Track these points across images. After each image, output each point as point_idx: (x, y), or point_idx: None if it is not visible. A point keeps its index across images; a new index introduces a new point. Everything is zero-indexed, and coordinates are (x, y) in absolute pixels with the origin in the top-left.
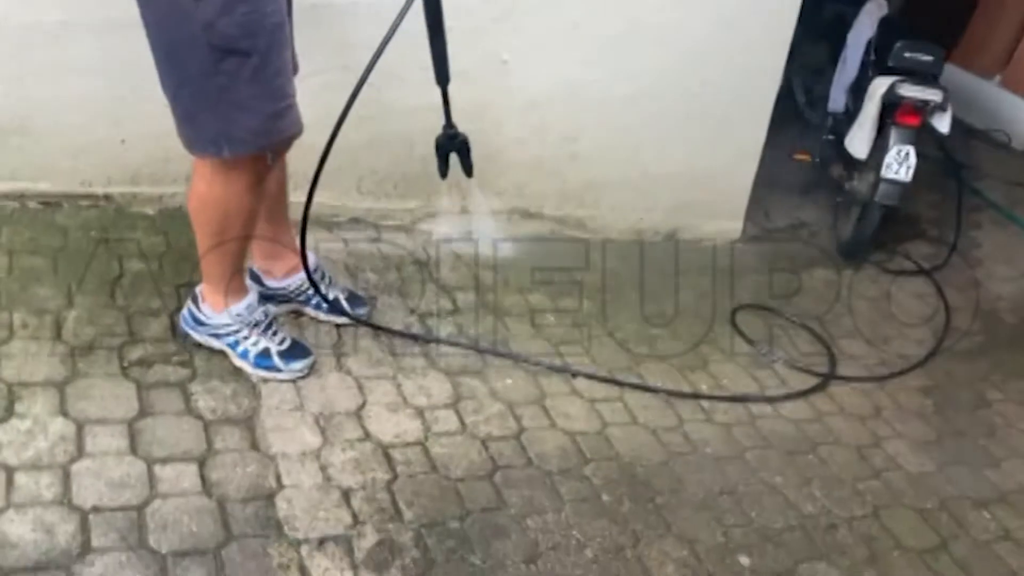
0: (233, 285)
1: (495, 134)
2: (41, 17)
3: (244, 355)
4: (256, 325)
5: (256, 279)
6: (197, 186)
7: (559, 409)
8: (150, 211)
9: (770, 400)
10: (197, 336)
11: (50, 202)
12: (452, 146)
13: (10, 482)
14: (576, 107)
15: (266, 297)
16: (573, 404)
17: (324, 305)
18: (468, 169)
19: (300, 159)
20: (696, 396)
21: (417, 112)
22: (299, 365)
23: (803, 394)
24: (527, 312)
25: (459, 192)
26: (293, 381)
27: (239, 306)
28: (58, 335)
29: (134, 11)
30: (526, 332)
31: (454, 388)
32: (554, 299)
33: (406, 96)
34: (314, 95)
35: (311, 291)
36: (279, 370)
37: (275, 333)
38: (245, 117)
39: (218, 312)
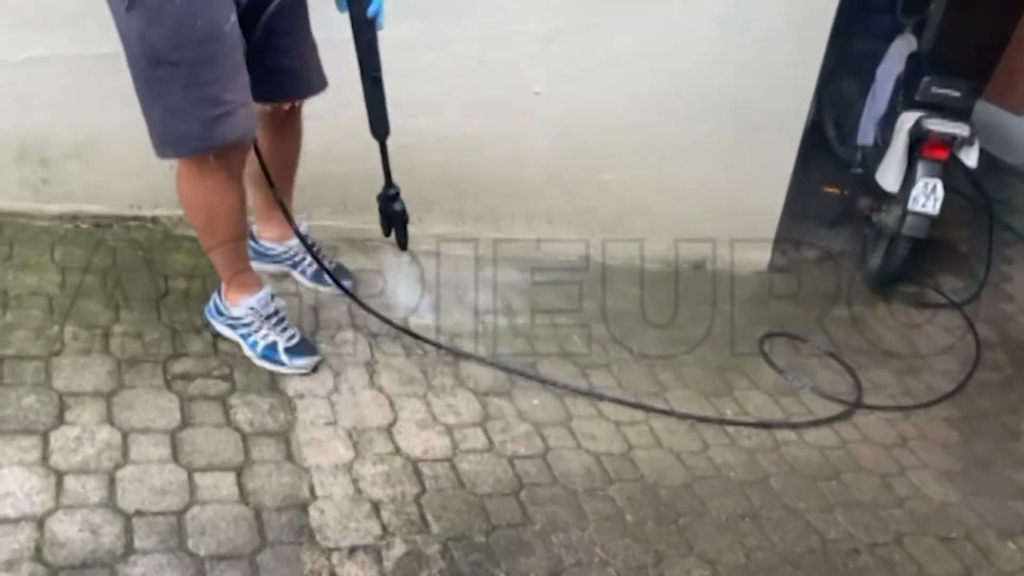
0: (242, 279)
1: (526, 164)
2: (96, 49)
3: (253, 346)
4: (268, 319)
5: (252, 237)
6: (179, 186)
7: (585, 431)
8: (194, 234)
9: (795, 426)
10: (216, 325)
11: (101, 223)
12: (392, 215)
13: (60, 485)
14: (606, 138)
15: (257, 254)
16: (599, 426)
17: (308, 272)
18: (403, 243)
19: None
20: (721, 422)
21: (450, 141)
22: (303, 362)
23: (830, 421)
24: (555, 336)
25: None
26: (327, 397)
27: (251, 300)
28: (106, 348)
29: None
30: (554, 355)
31: (482, 407)
32: (583, 325)
33: (438, 125)
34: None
35: (299, 256)
36: (283, 364)
37: (285, 329)
38: (180, 123)
39: (233, 305)
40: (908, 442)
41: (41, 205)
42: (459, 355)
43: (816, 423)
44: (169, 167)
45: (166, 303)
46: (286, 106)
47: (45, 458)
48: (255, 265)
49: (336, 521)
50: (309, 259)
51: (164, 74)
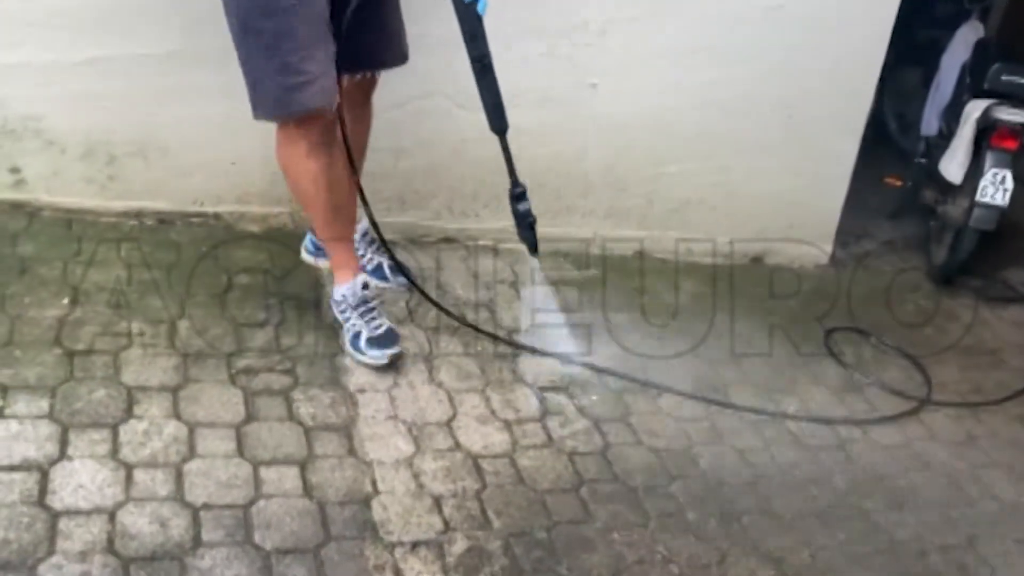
0: (341, 261)
1: (582, 157)
2: (151, 49)
3: (347, 333)
4: (356, 307)
5: (312, 231)
6: (276, 152)
7: (644, 426)
8: (256, 229)
9: (863, 423)
10: (334, 308)
11: (164, 220)
12: (516, 216)
13: (129, 478)
14: (663, 130)
15: (318, 248)
16: (659, 422)
17: (368, 267)
18: (531, 245)
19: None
20: (788, 417)
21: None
22: (376, 353)
23: (899, 417)
24: (612, 330)
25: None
26: (387, 392)
27: (344, 288)
28: (172, 343)
29: None
30: (613, 352)
31: (541, 403)
32: (640, 320)
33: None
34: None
35: (360, 251)
36: (362, 353)
37: (373, 319)
38: (264, 87)
39: (336, 288)
40: (978, 440)
41: (107, 202)
42: (527, 350)
43: (885, 419)
44: (231, 163)
45: (229, 298)
46: (357, 77)
47: (115, 451)
48: (309, 259)
49: (398, 516)
50: (368, 255)
51: (252, 40)
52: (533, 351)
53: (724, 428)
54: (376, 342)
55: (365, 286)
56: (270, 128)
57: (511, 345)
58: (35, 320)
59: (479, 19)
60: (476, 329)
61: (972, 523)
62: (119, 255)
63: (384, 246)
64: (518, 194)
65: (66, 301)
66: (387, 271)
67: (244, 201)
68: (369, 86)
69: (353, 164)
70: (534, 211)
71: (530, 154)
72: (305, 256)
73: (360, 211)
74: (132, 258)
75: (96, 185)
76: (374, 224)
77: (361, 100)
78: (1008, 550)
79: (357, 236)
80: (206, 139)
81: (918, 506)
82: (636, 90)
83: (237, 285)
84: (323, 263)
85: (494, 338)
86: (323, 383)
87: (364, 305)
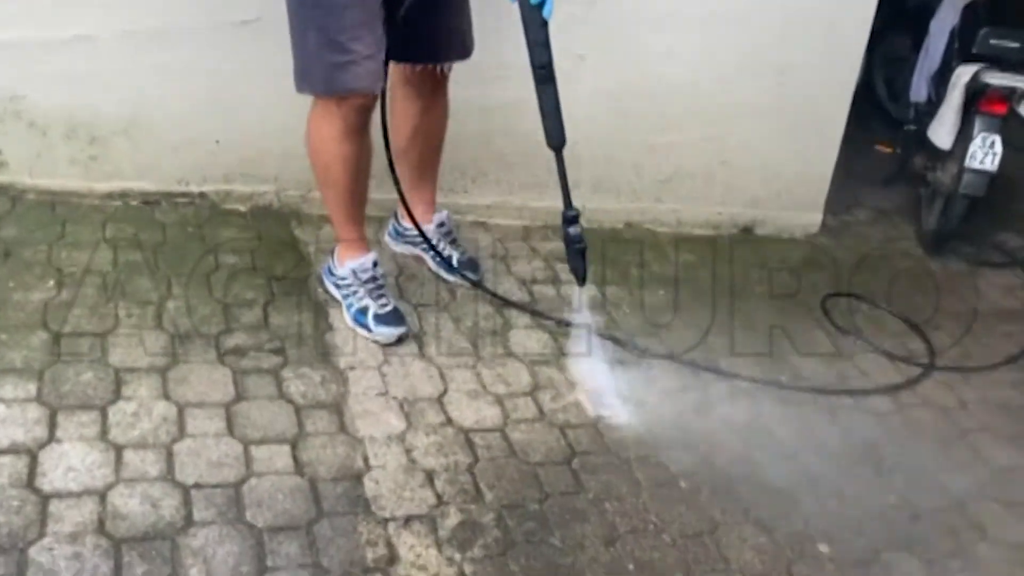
0: (351, 240)
1: (571, 130)
2: (136, 26)
3: (348, 308)
4: (365, 283)
5: (395, 217)
6: (307, 130)
7: (636, 398)
8: (242, 208)
9: (870, 392)
10: (327, 282)
11: (149, 200)
12: (567, 239)
13: (119, 459)
14: (652, 100)
15: (397, 234)
16: (650, 393)
17: (438, 259)
18: (579, 274)
19: None
20: (800, 388)
21: (493, 108)
22: (386, 331)
23: (908, 385)
24: (603, 304)
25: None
26: (377, 368)
27: (354, 263)
28: (159, 324)
29: (227, 16)
30: (603, 323)
31: (532, 377)
32: (631, 291)
33: (480, 92)
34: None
35: (433, 242)
36: (369, 330)
37: (380, 296)
38: (310, 62)
39: (341, 265)
40: (968, 405)
41: (91, 183)
42: (542, 316)
43: (895, 388)
44: (215, 142)
45: (216, 278)
46: (418, 68)
47: (104, 433)
48: (393, 245)
49: (391, 491)
50: (441, 245)
51: (304, 14)
52: (545, 316)
53: (716, 397)
54: (384, 320)
55: (375, 264)
56: (254, 106)
57: (530, 311)
58: (20, 303)
59: (545, 24)
60: (544, 316)
61: (962, 487)
62: (104, 237)
63: (452, 244)
64: (571, 217)
65: (51, 284)
66: (455, 264)
67: (229, 180)
68: (438, 78)
69: (389, 149)
70: (525, 183)
71: (517, 127)
72: (387, 240)
73: (438, 199)
74: (118, 239)
75: (79, 166)
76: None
77: (430, 91)
78: (997, 512)
79: (432, 227)
80: (190, 118)
81: (909, 471)
82: (624, 61)
83: (224, 265)
84: (405, 249)
85: (561, 323)
86: (313, 361)
87: (374, 283)
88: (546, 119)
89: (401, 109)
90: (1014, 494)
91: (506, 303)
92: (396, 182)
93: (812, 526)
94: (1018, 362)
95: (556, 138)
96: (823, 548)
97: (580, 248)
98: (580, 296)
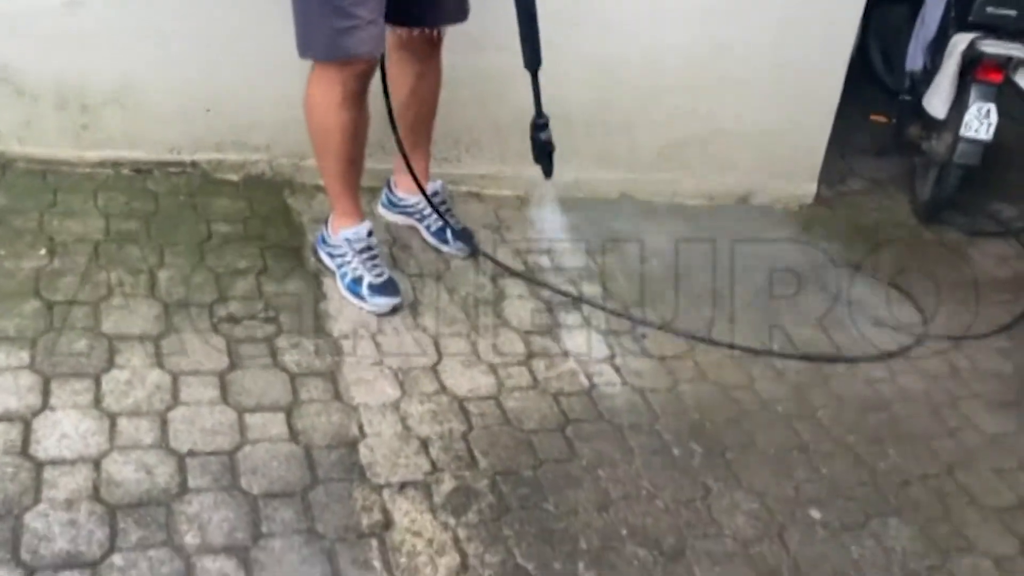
0: (345, 208)
1: (564, 99)
2: None
3: (343, 277)
4: (360, 252)
5: (389, 187)
6: (305, 96)
7: (629, 367)
8: (234, 177)
9: (863, 360)
10: (321, 252)
11: (141, 169)
12: (538, 144)
13: (113, 427)
14: (647, 69)
15: (391, 203)
16: (643, 363)
17: (432, 228)
18: (547, 171)
19: None
20: (803, 358)
21: (488, 78)
22: (382, 301)
23: (901, 353)
24: (598, 274)
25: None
26: (371, 337)
27: (348, 231)
28: (152, 293)
29: None
30: (596, 292)
31: (526, 346)
32: (624, 261)
33: (475, 61)
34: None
35: (427, 211)
36: (364, 300)
37: (375, 266)
38: (313, 27)
39: (335, 233)
40: (960, 373)
41: (81, 152)
42: (539, 284)
43: (888, 355)
44: (206, 110)
45: (209, 247)
46: (415, 32)
47: (98, 401)
48: (387, 215)
49: (385, 458)
50: (435, 215)
51: None
52: (543, 284)
53: (707, 365)
54: (379, 289)
55: (370, 233)
56: (246, 74)
57: (524, 278)
58: (12, 272)
59: None
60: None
61: (952, 453)
62: (96, 205)
63: (447, 213)
64: (541, 124)
65: (43, 252)
66: (449, 235)
67: (221, 149)
68: (433, 42)
69: (392, 116)
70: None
71: (512, 96)
72: (380, 210)
73: (432, 170)
74: (109, 208)
75: (70, 135)
76: (421, 189)
77: (425, 55)
78: (986, 478)
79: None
80: (181, 86)
81: (900, 438)
82: (619, 29)
83: (217, 234)
84: (399, 219)
85: (563, 294)
86: (307, 330)
87: (368, 251)
88: (524, 42)
89: (396, 74)
90: (1003, 460)
91: (506, 269)
92: (398, 140)
93: (803, 492)
94: (1010, 331)
95: (532, 61)
96: (814, 513)
97: (550, 151)
98: (548, 187)
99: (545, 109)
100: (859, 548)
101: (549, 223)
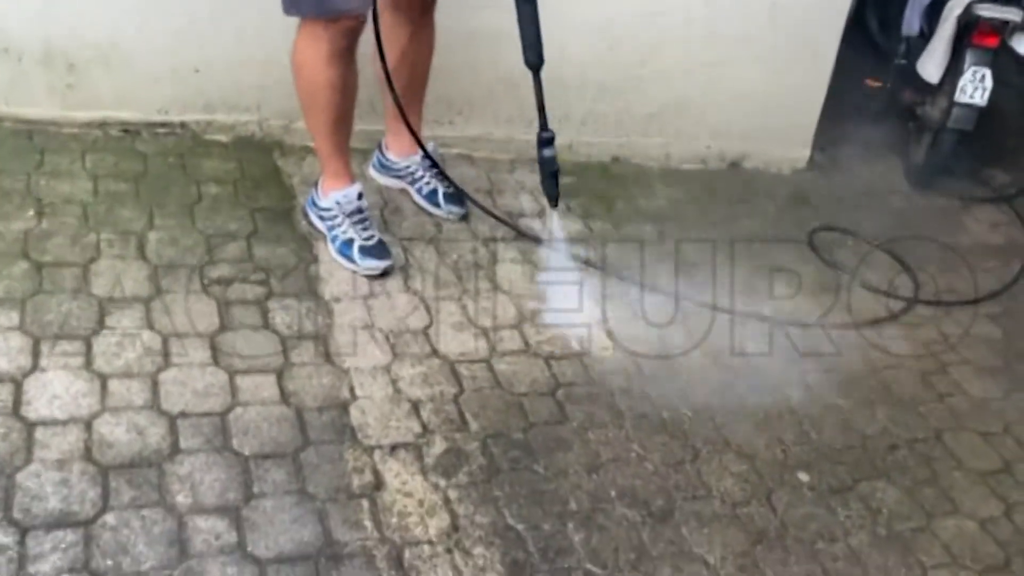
0: (335, 170)
1: (557, 60)
2: None
3: (333, 240)
4: (350, 215)
5: (380, 149)
6: (292, 53)
7: (621, 332)
8: (224, 139)
9: (853, 325)
10: (311, 214)
11: (129, 130)
12: (541, 162)
13: (104, 388)
14: (643, 32)
15: (382, 166)
16: (635, 327)
17: (424, 191)
18: (552, 196)
19: None
20: (803, 325)
21: (479, 38)
22: (372, 263)
23: (891, 318)
24: (589, 238)
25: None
26: (363, 300)
27: (338, 194)
28: (142, 255)
29: None
30: (591, 259)
31: (518, 310)
32: (617, 226)
33: (467, 21)
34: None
35: (418, 174)
36: (354, 262)
37: (365, 229)
38: None
39: (325, 196)
40: (950, 339)
41: (68, 112)
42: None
43: (879, 321)
44: (195, 71)
45: (199, 209)
46: None
47: (89, 362)
48: (378, 177)
49: (376, 420)
50: (427, 178)
51: None
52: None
53: (700, 330)
54: (370, 252)
55: (360, 195)
56: (235, 34)
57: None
58: (0, 233)
59: None
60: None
61: (940, 419)
62: (84, 167)
63: (438, 176)
64: (546, 139)
65: (31, 214)
66: (440, 198)
67: (210, 110)
68: (426, 2)
69: (388, 73)
70: (511, 116)
71: (505, 58)
72: (371, 173)
73: (423, 132)
74: (98, 169)
75: (56, 94)
76: (421, 145)
77: (418, 15)
78: (973, 443)
79: (418, 157)
80: (170, 45)
81: (889, 403)
82: None
83: (207, 196)
84: (391, 182)
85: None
86: (298, 293)
87: (359, 214)
88: (524, 38)
89: (389, 35)
90: (990, 425)
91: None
92: (395, 99)
93: (792, 455)
94: (999, 297)
95: (534, 57)
96: (802, 476)
97: (553, 171)
98: (554, 218)
99: (544, 70)
100: (845, 510)
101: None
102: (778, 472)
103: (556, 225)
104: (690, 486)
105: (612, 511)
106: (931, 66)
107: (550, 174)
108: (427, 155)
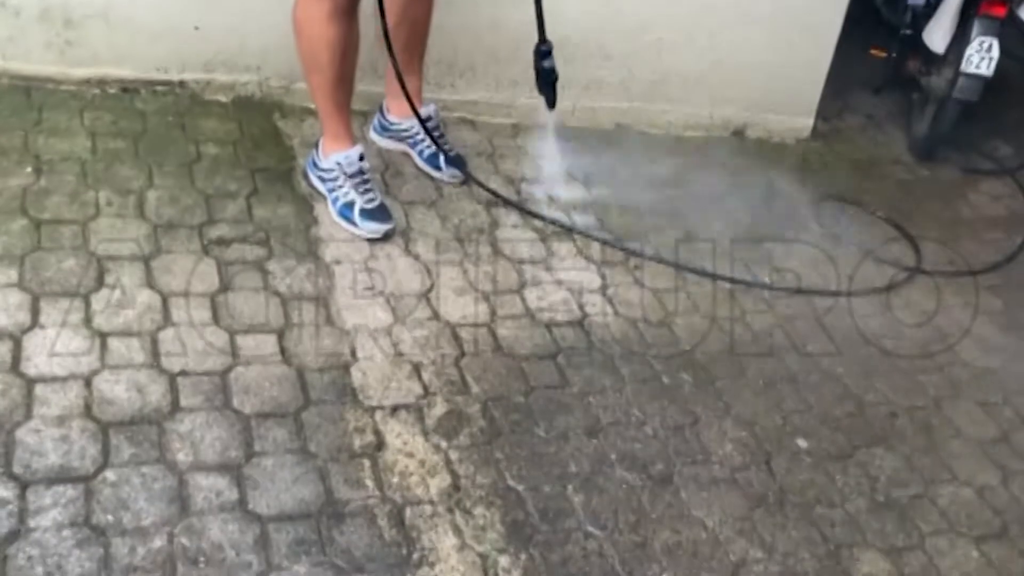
0: (336, 131)
1: (563, 26)
2: None
3: (334, 202)
4: (351, 177)
5: (381, 111)
6: (294, 10)
7: (622, 298)
8: (223, 99)
9: (855, 294)
10: (311, 175)
11: (128, 88)
12: (541, 72)
13: (104, 346)
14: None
15: (383, 128)
16: (636, 293)
17: (425, 153)
18: (551, 101)
19: None
20: (800, 292)
21: (482, 2)
22: (374, 226)
23: (893, 288)
24: (591, 204)
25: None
26: (364, 263)
27: (339, 155)
28: (141, 213)
29: None
30: (590, 224)
31: (519, 275)
32: (618, 193)
33: None
34: None
35: (420, 136)
36: (355, 225)
37: (367, 191)
38: None
39: (325, 157)
40: (951, 309)
41: (67, 69)
42: (531, 215)
43: (880, 290)
44: (194, 28)
45: (199, 168)
46: None
47: (88, 320)
48: (379, 140)
49: (378, 381)
50: (428, 141)
51: None
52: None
53: (700, 297)
54: (371, 215)
55: (362, 157)
56: None
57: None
58: None
59: None
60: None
61: (940, 387)
62: (82, 124)
63: (440, 139)
64: (544, 51)
65: (29, 170)
66: (441, 162)
67: (210, 69)
68: None
69: (387, 34)
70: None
71: (507, 20)
72: (372, 135)
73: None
74: (96, 127)
75: (54, 51)
76: (416, 113)
77: None
78: (971, 411)
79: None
80: (169, 1)
81: (889, 372)
82: None
83: (206, 155)
84: (392, 145)
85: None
86: (298, 254)
87: (360, 176)
88: None
89: None
90: (989, 395)
91: (496, 196)
92: (393, 59)
93: (791, 422)
94: (1001, 268)
95: None
96: (801, 443)
97: (553, 79)
98: (550, 118)
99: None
100: (844, 476)
101: (547, 154)
102: (777, 438)
103: (552, 127)
104: (689, 451)
105: (612, 474)
106: (937, 36)
107: (549, 83)
108: (422, 124)
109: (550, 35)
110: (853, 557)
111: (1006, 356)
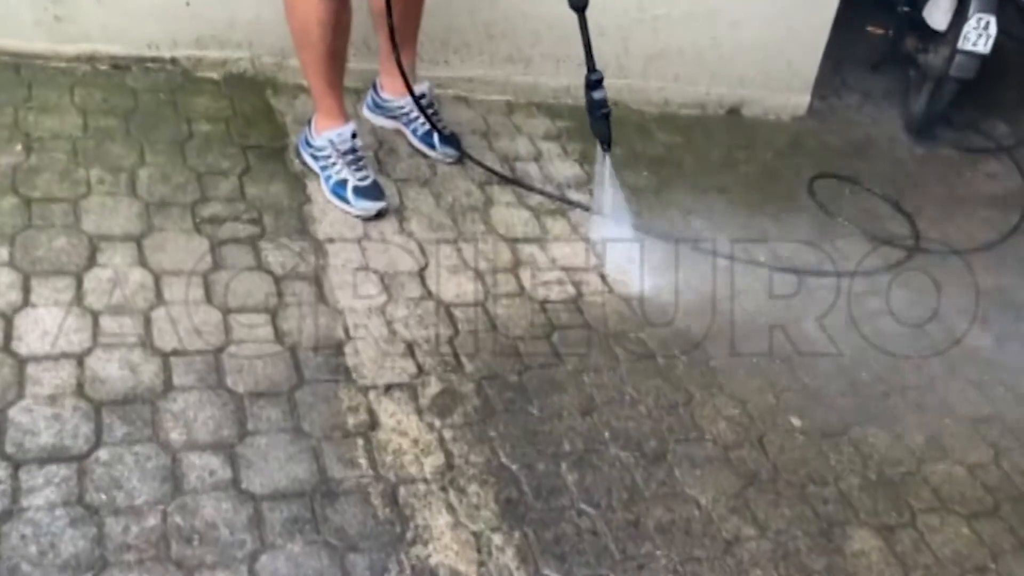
0: (329, 108)
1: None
2: None
3: (327, 180)
4: (344, 155)
5: (374, 88)
6: None
7: (618, 277)
8: (215, 76)
9: (851, 273)
10: (304, 153)
11: (119, 65)
12: (590, 105)
13: (96, 325)
14: None
15: (376, 105)
16: (632, 272)
17: (419, 131)
18: (604, 139)
19: None
20: (797, 271)
21: None
22: (367, 204)
23: (889, 267)
24: (586, 184)
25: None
26: (357, 242)
27: (332, 133)
28: (133, 192)
29: None
30: (586, 201)
31: (513, 254)
32: (615, 170)
33: None
34: None
35: (414, 114)
36: (349, 203)
37: (360, 169)
38: None
39: (318, 135)
40: (946, 288)
41: (56, 46)
42: (527, 188)
43: (877, 269)
44: (185, 4)
45: (191, 146)
46: None
47: (80, 299)
48: (372, 118)
49: (371, 360)
50: (422, 119)
51: None
52: (530, 188)
53: (697, 276)
54: (364, 193)
55: (354, 135)
56: None
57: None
58: None
59: None
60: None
61: (933, 366)
62: (73, 101)
63: (434, 117)
64: (594, 81)
65: (19, 148)
66: (436, 140)
67: (201, 45)
68: None
69: (390, 9)
70: (509, 56)
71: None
72: (365, 113)
73: (419, 72)
74: (87, 104)
75: (44, 27)
76: (411, 91)
77: None
78: (964, 390)
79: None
80: None
81: (883, 350)
82: None
83: (198, 133)
84: (385, 122)
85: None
86: (291, 232)
87: (353, 154)
88: None
89: None
90: (983, 374)
91: (493, 173)
92: (391, 31)
93: (785, 400)
94: (996, 247)
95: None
96: (795, 421)
97: (604, 113)
98: (605, 162)
99: (536, 11)
100: (837, 455)
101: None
102: (771, 416)
103: (608, 171)
104: (683, 429)
105: (605, 452)
106: (938, 14)
107: (602, 116)
108: (416, 102)
109: (543, 11)
110: (845, 534)
111: (1000, 335)
